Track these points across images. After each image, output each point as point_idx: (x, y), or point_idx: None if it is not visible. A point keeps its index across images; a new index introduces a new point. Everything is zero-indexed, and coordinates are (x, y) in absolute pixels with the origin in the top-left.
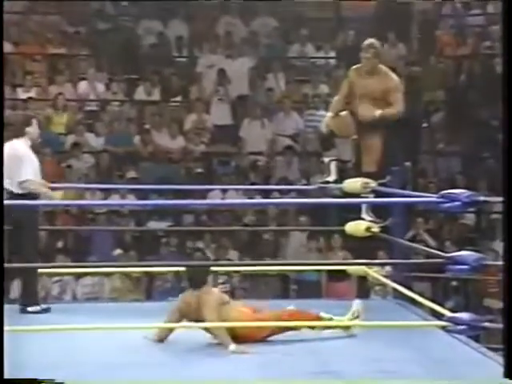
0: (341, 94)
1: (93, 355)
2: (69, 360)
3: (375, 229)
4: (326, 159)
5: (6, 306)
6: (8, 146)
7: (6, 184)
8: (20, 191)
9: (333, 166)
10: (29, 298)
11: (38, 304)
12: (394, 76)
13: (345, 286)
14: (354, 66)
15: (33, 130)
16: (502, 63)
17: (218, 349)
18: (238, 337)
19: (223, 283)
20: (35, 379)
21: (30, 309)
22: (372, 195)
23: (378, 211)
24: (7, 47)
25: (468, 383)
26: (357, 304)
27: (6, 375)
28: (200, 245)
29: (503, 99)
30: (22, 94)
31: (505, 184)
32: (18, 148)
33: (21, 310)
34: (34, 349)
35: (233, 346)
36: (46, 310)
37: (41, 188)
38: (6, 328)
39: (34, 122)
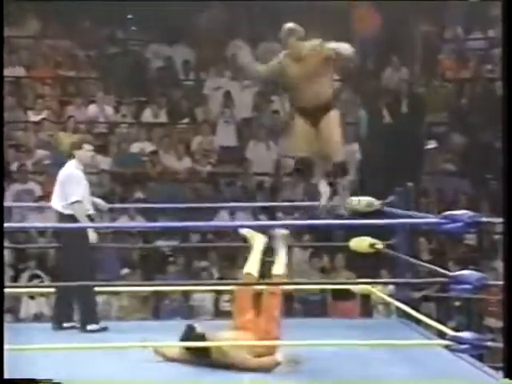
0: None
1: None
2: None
3: (379, 245)
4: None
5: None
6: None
7: (55, 204)
8: (69, 212)
9: (322, 188)
10: (86, 317)
11: (97, 322)
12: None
13: (350, 304)
14: (284, 52)
15: (83, 153)
16: (501, 68)
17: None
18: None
19: (228, 301)
20: (34, 379)
21: (89, 327)
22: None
23: (381, 230)
24: (19, 71)
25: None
26: None
27: (6, 375)
28: (206, 264)
29: (503, 120)
30: (32, 117)
31: (505, 206)
32: (69, 169)
33: (80, 328)
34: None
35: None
36: (104, 329)
37: (83, 216)
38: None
39: (86, 146)
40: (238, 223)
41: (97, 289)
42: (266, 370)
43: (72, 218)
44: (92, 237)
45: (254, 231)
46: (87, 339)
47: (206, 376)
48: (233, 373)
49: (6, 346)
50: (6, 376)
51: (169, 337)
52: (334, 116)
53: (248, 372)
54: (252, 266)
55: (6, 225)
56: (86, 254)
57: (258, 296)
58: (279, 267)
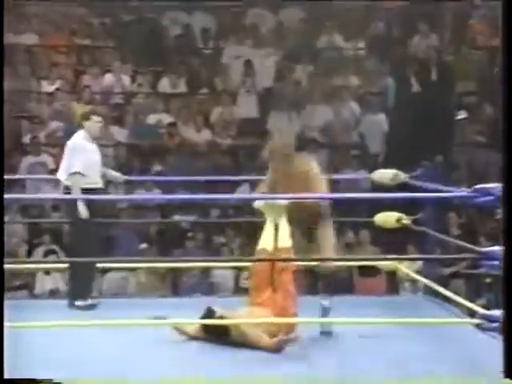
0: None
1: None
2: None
3: (406, 221)
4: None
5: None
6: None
7: (60, 175)
8: (69, 183)
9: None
10: (77, 292)
11: (86, 299)
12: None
13: (375, 281)
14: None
15: (91, 124)
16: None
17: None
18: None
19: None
20: (34, 379)
21: (77, 303)
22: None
23: (408, 205)
24: (32, 39)
25: (467, 382)
26: None
27: (6, 375)
28: (226, 239)
29: (503, 119)
30: (46, 87)
31: (505, 204)
32: (74, 140)
33: (69, 304)
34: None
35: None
36: (93, 306)
37: (77, 188)
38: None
39: (94, 118)
40: (257, 196)
41: (113, 265)
42: (277, 350)
43: (86, 192)
44: (83, 212)
45: (269, 202)
46: (100, 316)
47: (223, 355)
48: (251, 351)
49: (18, 324)
50: (6, 376)
51: (188, 314)
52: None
53: (263, 351)
54: (266, 241)
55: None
56: (87, 228)
57: (274, 272)
58: (284, 240)
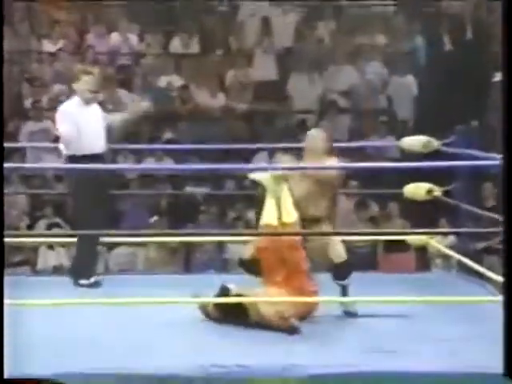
0: None
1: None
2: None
3: (437, 192)
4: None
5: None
6: None
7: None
8: (64, 152)
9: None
10: (79, 270)
11: (88, 278)
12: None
13: (404, 257)
14: None
15: (81, 86)
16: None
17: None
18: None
19: None
20: (35, 379)
21: (81, 281)
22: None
23: (440, 175)
24: None
25: (467, 382)
26: None
27: (6, 374)
28: (242, 213)
29: (503, 120)
30: (48, 47)
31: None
32: (62, 106)
33: (73, 282)
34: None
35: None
36: (97, 284)
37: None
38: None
39: (83, 77)
40: (277, 165)
41: (120, 239)
42: (295, 331)
43: (71, 159)
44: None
45: (268, 173)
46: (107, 294)
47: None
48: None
49: (17, 301)
50: (6, 375)
51: (201, 292)
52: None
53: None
54: (270, 215)
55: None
56: (87, 200)
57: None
58: (288, 214)
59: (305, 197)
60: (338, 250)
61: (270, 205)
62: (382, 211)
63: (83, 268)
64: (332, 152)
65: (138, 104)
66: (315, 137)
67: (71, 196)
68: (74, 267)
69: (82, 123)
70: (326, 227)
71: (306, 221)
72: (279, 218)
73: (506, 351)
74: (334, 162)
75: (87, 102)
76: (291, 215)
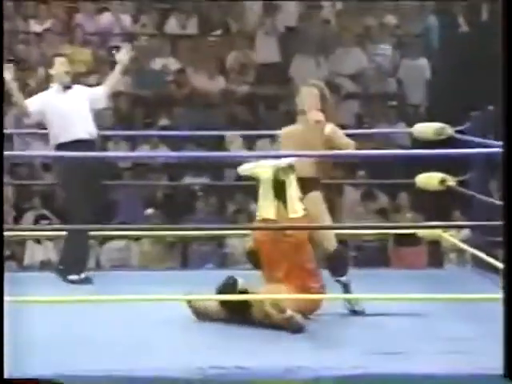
0: None
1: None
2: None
3: (451, 182)
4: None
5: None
6: None
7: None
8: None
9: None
10: (69, 265)
11: (78, 273)
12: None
13: (415, 252)
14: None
15: (57, 70)
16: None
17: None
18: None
19: None
20: (36, 379)
21: (70, 277)
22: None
23: (454, 163)
24: None
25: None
26: None
27: (6, 375)
28: (243, 205)
29: (503, 121)
30: (35, 27)
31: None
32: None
33: (62, 278)
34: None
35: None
36: (88, 280)
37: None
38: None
39: (58, 60)
40: (280, 153)
41: (113, 233)
42: (298, 329)
43: (59, 147)
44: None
45: (259, 163)
46: (99, 292)
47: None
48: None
49: (6, 298)
50: (6, 375)
51: (198, 289)
52: (315, 198)
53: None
54: (266, 208)
55: None
56: (77, 190)
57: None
58: (295, 208)
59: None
60: (330, 235)
61: (265, 197)
62: (392, 203)
63: (73, 263)
64: (329, 112)
65: (122, 57)
66: (306, 94)
67: (60, 186)
68: (63, 262)
69: (63, 109)
70: (316, 193)
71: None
72: (283, 213)
73: (506, 352)
74: (330, 126)
75: (66, 85)
76: (298, 210)
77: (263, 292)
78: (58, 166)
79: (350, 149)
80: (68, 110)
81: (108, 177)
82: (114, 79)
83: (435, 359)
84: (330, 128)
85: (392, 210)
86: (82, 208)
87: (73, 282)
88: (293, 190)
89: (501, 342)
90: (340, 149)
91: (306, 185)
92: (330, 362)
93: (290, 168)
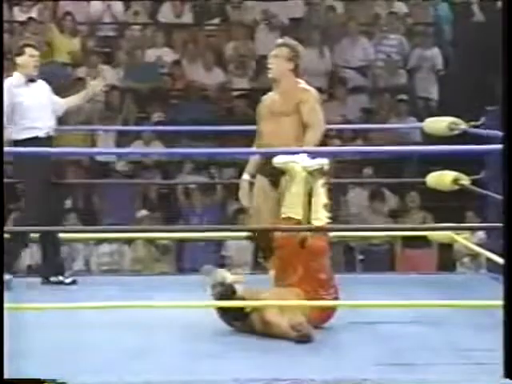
0: None
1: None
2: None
3: (465, 181)
4: None
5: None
6: None
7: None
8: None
9: None
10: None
11: (57, 275)
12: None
13: (425, 255)
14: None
15: (25, 60)
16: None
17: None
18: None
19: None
20: (37, 379)
21: (52, 279)
22: None
23: (468, 161)
24: None
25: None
26: None
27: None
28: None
29: (503, 122)
30: (19, 15)
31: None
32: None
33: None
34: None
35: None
36: (67, 283)
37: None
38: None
39: (28, 50)
40: (282, 150)
41: (106, 235)
42: (303, 340)
43: (15, 144)
44: None
45: (296, 159)
46: (89, 298)
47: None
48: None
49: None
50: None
51: (194, 295)
52: None
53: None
54: (293, 207)
55: None
56: (37, 191)
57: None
58: (319, 215)
59: (275, 134)
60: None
61: (295, 195)
62: (401, 203)
63: (52, 265)
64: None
65: (94, 85)
66: (275, 59)
67: (25, 185)
68: (43, 265)
69: (26, 104)
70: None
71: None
72: (305, 216)
73: (506, 352)
74: (309, 93)
75: (31, 79)
76: (321, 218)
77: (270, 294)
78: (18, 164)
79: (316, 131)
80: (31, 104)
81: (98, 175)
82: (75, 102)
83: (448, 369)
84: (306, 94)
85: (402, 210)
86: (37, 209)
87: (54, 283)
88: (319, 195)
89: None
90: (307, 125)
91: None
92: (336, 374)
93: (320, 171)
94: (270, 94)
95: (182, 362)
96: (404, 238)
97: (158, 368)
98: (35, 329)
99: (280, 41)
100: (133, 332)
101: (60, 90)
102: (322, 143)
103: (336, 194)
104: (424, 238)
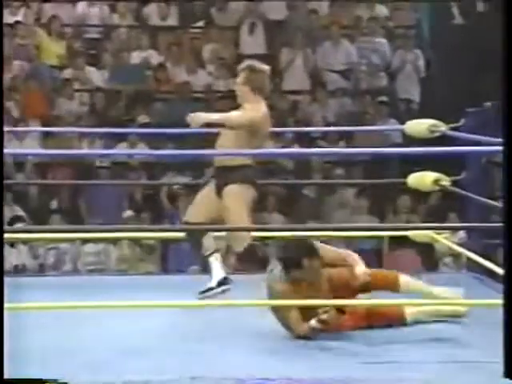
0: None
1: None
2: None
3: (445, 182)
4: None
5: None
6: None
7: None
8: None
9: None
10: None
11: None
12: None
13: (409, 255)
14: None
15: None
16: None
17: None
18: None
19: None
20: (38, 379)
21: None
22: None
23: (449, 162)
24: None
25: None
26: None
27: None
28: None
29: (503, 123)
30: (7, 17)
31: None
32: None
33: None
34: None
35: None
36: None
37: None
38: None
39: None
40: (264, 151)
41: (92, 235)
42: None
43: None
44: None
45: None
46: (78, 298)
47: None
48: None
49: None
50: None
51: (180, 295)
52: (231, 192)
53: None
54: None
55: None
56: None
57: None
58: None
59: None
60: (241, 235)
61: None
62: (386, 204)
63: None
64: (260, 89)
65: None
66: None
67: None
68: None
69: None
70: (234, 187)
71: (220, 169)
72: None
73: (507, 352)
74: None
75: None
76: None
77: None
78: None
79: (244, 115)
80: None
81: (85, 176)
82: None
83: (432, 367)
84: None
85: (388, 211)
86: None
87: None
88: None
89: (498, 348)
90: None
91: (223, 175)
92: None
93: None
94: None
95: (171, 360)
96: (391, 238)
97: (144, 367)
98: (21, 329)
99: (240, 67)
100: (121, 331)
101: (49, 92)
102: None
103: (322, 194)
104: (405, 238)
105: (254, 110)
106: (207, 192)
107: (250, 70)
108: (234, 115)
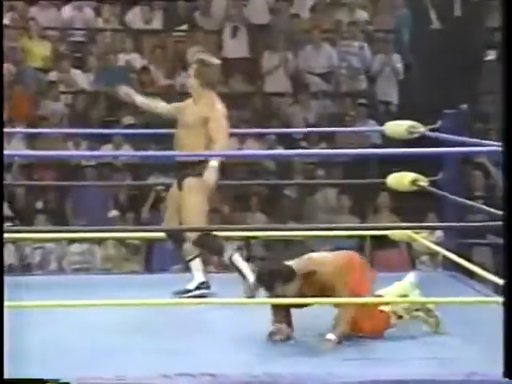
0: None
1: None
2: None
3: (423, 182)
4: None
5: None
6: None
7: None
8: None
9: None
10: None
11: None
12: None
13: (390, 255)
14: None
15: None
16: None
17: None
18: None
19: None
20: (40, 379)
21: None
22: None
23: (427, 163)
24: None
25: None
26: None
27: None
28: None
29: (503, 123)
30: None
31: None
32: None
33: None
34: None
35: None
36: None
37: None
38: None
39: None
40: (249, 152)
41: (77, 235)
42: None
43: None
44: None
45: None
46: (62, 297)
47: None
48: None
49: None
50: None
51: (164, 293)
52: (190, 185)
53: None
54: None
55: None
56: None
57: None
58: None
59: (184, 142)
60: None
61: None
62: (367, 203)
63: None
64: (210, 82)
65: None
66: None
67: None
68: None
69: None
70: (193, 180)
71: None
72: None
73: (506, 352)
74: (217, 108)
75: None
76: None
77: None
78: None
79: (222, 147)
80: None
81: (71, 177)
82: None
83: (411, 363)
84: (214, 112)
85: (368, 211)
86: None
87: None
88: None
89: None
90: (212, 141)
91: (182, 169)
92: (302, 368)
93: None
94: (188, 101)
95: (149, 357)
96: (372, 238)
97: (126, 365)
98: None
99: (195, 58)
100: (106, 331)
101: (35, 94)
102: None
103: (304, 194)
104: (385, 237)
105: (224, 129)
106: (172, 192)
107: (201, 63)
108: (221, 138)
